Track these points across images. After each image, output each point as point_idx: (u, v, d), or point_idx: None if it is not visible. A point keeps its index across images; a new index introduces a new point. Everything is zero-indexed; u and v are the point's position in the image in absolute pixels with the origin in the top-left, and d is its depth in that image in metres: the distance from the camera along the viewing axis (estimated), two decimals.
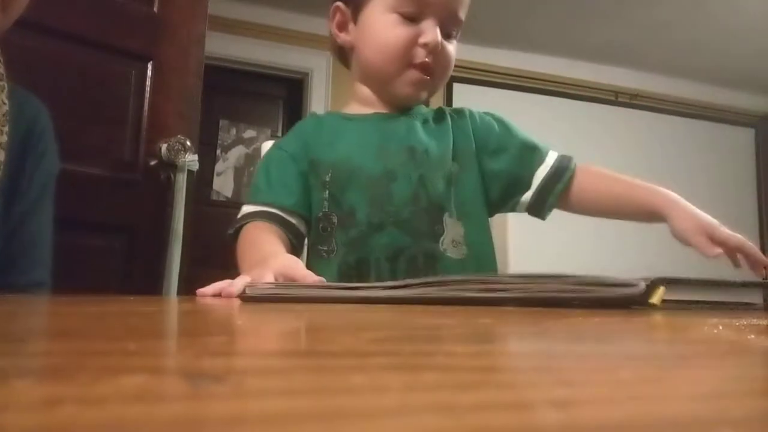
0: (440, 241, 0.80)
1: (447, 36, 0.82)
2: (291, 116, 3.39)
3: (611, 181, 0.85)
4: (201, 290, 0.55)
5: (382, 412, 0.11)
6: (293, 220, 0.80)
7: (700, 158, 3.82)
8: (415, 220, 0.79)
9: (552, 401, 0.12)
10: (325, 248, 0.80)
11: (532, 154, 0.86)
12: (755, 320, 0.36)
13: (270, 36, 3.13)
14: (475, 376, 0.16)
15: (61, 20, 1.20)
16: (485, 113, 0.90)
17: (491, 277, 0.47)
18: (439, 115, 0.88)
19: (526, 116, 3.43)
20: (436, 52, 0.79)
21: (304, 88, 3.27)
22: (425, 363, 0.17)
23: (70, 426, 0.09)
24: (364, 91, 0.87)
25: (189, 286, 1.35)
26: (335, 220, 0.80)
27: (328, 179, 0.81)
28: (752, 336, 0.27)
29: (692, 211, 0.73)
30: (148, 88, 1.33)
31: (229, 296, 0.51)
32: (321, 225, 0.81)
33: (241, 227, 0.79)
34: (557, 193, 0.84)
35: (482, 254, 0.84)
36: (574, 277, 0.44)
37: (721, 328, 0.30)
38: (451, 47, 0.83)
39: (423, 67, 0.80)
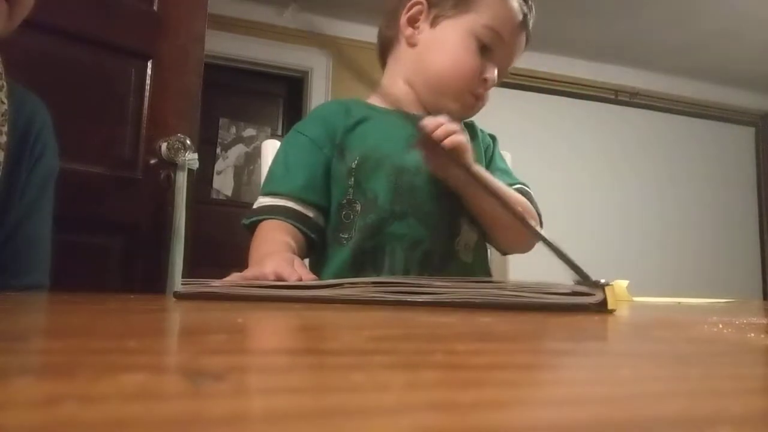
0: (456, 242, 0.82)
1: (499, 74, 0.87)
2: (291, 115, 3.39)
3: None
4: None
5: (382, 410, 0.11)
6: (310, 214, 0.79)
7: (700, 157, 3.82)
8: (436, 215, 0.80)
9: (551, 400, 0.12)
10: (346, 236, 0.80)
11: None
12: (755, 319, 0.36)
13: (270, 34, 3.13)
14: (475, 374, 0.16)
15: (61, 18, 1.20)
16: (485, 132, 0.95)
17: (439, 281, 0.45)
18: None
19: (525, 114, 3.46)
20: (488, 87, 0.86)
21: (304, 86, 3.27)
22: (425, 361, 0.17)
23: (71, 424, 0.09)
24: (403, 88, 0.88)
25: None
26: (359, 207, 0.80)
27: (354, 166, 0.80)
28: (751, 335, 0.27)
29: None
30: (147, 87, 1.33)
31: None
32: (344, 212, 0.80)
33: (257, 221, 0.78)
34: None
35: (483, 264, 0.86)
36: (530, 284, 0.41)
37: (720, 326, 0.30)
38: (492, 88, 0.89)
39: (477, 98, 0.86)
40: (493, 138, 0.95)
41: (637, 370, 0.16)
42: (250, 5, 3.09)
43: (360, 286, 0.46)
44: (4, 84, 0.74)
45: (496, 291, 0.42)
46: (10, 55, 0.75)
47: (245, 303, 0.45)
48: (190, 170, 1.36)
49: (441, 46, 0.84)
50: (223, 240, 3.01)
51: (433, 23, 0.86)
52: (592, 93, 3.68)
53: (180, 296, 0.47)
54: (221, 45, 2.83)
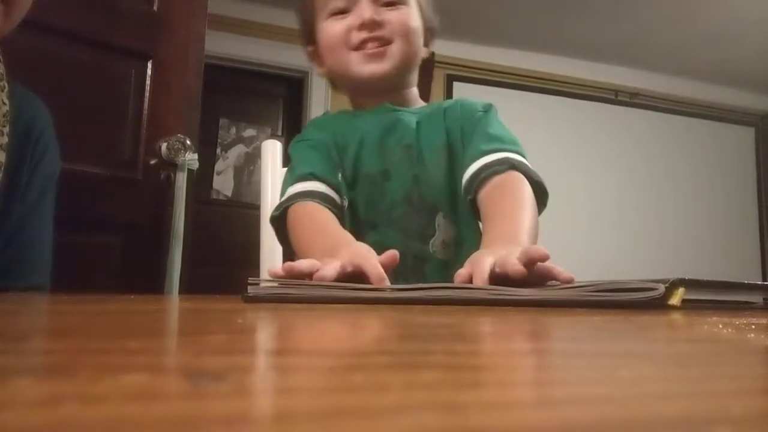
0: (430, 243, 0.79)
1: (388, 4, 0.82)
2: (291, 115, 3.39)
3: (491, 204, 0.72)
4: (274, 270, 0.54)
5: (381, 411, 0.11)
6: (335, 196, 0.78)
7: (699, 157, 3.82)
8: (405, 221, 0.79)
9: (551, 400, 0.12)
10: None
11: (477, 146, 0.79)
12: (754, 319, 0.36)
13: (270, 35, 3.13)
14: (475, 375, 0.16)
15: (61, 18, 1.20)
16: (478, 103, 0.87)
17: (507, 287, 0.46)
18: (435, 112, 0.87)
19: (525, 115, 3.46)
20: (373, 26, 0.80)
21: (304, 86, 3.27)
22: (425, 362, 0.17)
23: (71, 424, 0.09)
24: (352, 98, 0.91)
25: (189, 285, 1.36)
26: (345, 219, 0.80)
27: (340, 179, 0.81)
28: (751, 335, 0.27)
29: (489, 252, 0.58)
30: (147, 87, 1.33)
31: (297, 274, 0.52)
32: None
33: (286, 209, 0.76)
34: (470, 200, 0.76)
35: (462, 259, 0.80)
36: (591, 284, 0.43)
37: (720, 327, 0.30)
38: (400, 11, 0.82)
39: (360, 47, 0.81)
40: (486, 107, 0.86)
41: (636, 370, 0.16)
42: (250, 5, 3.09)
43: (440, 288, 0.46)
44: (6, 85, 0.74)
45: (574, 292, 0.44)
46: (10, 56, 0.75)
47: (248, 304, 0.45)
48: (190, 170, 1.36)
49: (322, 52, 0.86)
50: (223, 240, 3.01)
51: (318, 48, 0.89)
52: (591, 93, 3.68)
53: (250, 299, 0.45)
54: (221, 45, 2.83)
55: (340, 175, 0.81)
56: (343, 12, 0.82)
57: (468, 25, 3.22)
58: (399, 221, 0.79)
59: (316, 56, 0.90)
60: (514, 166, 0.73)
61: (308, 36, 0.89)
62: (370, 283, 0.54)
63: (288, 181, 0.81)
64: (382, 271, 0.54)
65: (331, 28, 0.82)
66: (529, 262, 0.49)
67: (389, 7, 0.82)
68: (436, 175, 0.81)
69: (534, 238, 0.66)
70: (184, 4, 1.40)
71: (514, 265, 0.49)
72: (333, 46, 0.83)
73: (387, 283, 0.54)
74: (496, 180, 0.73)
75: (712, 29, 3.19)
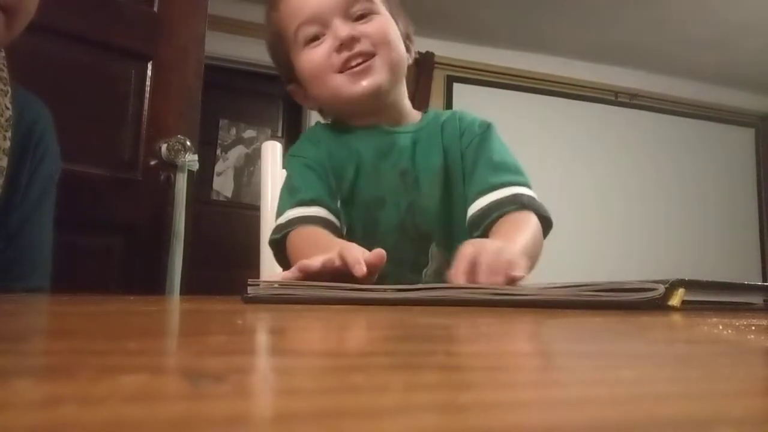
0: (423, 273, 0.78)
1: (360, 18, 0.79)
2: (291, 116, 3.39)
3: (496, 234, 0.72)
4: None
5: (382, 412, 0.11)
6: (335, 221, 0.77)
7: (700, 158, 3.82)
8: (399, 250, 0.77)
9: (551, 401, 0.12)
10: None
11: (484, 177, 0.79)
12: (754, 320, 0.36)
13: None
14: (475, 375, 0.16)
15: (61, 19, 1.20)
16: (476, 121, 0.85)
17: (510, 288, 0.46)
18: (432, 127, 0.85)
19: (525, 116, 3.46)
20: (352, 43, 0.77)
21: None
22: (425, 362, 0.17)
23: (71, 425, 0.09)
24: (343, 121, 0.87)
25: (188, 286, 1.36)
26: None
27: (339, 205, 0.80)
28: (751, 336, 0.27)
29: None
30: (148, 88, 1.33)
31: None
32: None
33: (286, 234, 0.75)
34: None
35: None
36: (591, 285, 0.44)
37: (720, 328, 0.30)
38: (375, 22, 0.80)
39: (345, 67, 0.78)
40: (484, 126, 0.84)
41: (637, 371, 0.16)
42: (250, 6, 3.09)
43: (440, 289, 0.46)
44: (9, 90, 0.74)
45: (575, 291, 0.44)
46: (10, 57, 0.75)
47: (248, 305, 0.45)
48: (190, 171, 1.36)
49: (306, 83, 0.83)
50: (222, 241, 3.01)
51: (300, 83, 0.85)
52: (591, 94, 3.69)
53: (250, 300, 0.45)
54: (221, 46, 2.83)
55: (339, 202, 0.80)
56: (316, 38, 0.79)
57: (469, 26, 3.22)
58: (392, 251, 0.78)
59: (298, 92, 0.87)
60: (524, 205, 0.74)
61: (287, 74, 0.86)
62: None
63: (286, 200, 0.80)
64: (360, 258, 0.55)
65: (311, 57, 0.79)
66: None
67: (362, 20, 0.79)
68: (431, 201, 0.79)
69: (533, 256, 0.66)
70: (184, 5, 1.40)
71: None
72: (317, 74, 0.79)
73: (363, 268, 0.55)
74: (506, 218, 0.73)
75: (711, 30, 3.19)
